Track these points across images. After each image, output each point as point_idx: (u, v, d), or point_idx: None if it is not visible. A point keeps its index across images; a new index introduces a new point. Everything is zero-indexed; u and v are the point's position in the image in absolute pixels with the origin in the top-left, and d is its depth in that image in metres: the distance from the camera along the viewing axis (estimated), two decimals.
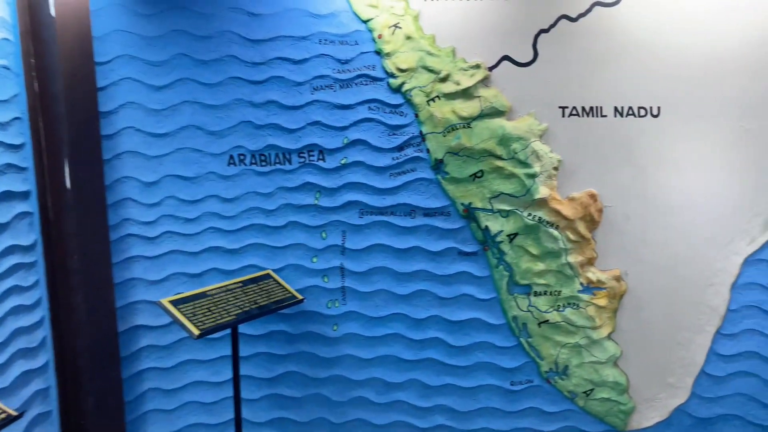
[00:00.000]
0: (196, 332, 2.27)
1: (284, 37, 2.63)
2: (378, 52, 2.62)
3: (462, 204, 2.68)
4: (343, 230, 2.75)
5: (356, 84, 2.65)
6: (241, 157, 2.70)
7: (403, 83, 2.62)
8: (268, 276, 2.69)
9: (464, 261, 2.73)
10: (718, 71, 2.56)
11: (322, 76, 2.65)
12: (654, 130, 2.60)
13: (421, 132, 2.66)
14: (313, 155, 2.70)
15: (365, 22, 2.61)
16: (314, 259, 2.77)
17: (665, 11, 2.55)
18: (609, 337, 2.72)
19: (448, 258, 2.73)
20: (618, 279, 2.68)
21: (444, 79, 2.60)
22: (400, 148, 2.67)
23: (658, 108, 2.59)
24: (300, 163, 2.70)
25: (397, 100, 2.65)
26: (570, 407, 2.79)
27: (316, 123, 2.68)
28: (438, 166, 2.67)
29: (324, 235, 2.76)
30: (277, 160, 2.71)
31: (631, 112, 2.60)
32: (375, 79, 2.64)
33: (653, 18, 2.56)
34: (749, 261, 2.64)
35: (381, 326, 2.79)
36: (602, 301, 2.68)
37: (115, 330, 2.56)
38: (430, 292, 2.76)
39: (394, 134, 2.67)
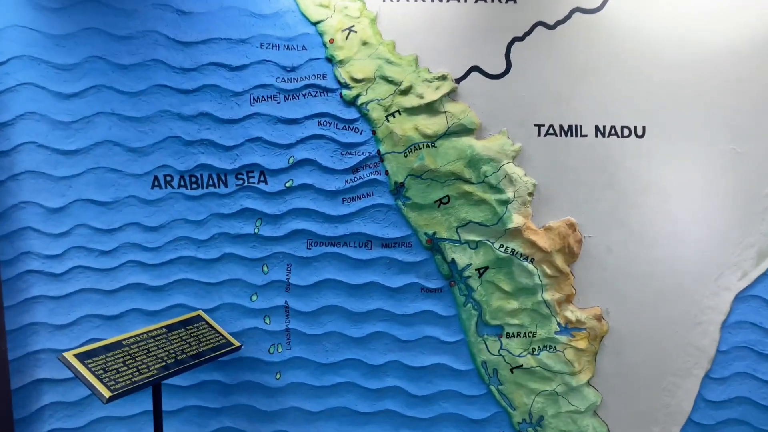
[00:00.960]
0: (107, 394, 2.02)
1: (219, 39, 2.44)
2: (329, 59, 2.47)
3: (425, 234, 2.53)
4: (288, 263, 2.57)
5: (304, 95, 2.49)
6: (168, 179, 2.49)
7: (358, 95, 2.47)
8: (198, 318, 2.47)
9: (427, 298, 2.59)
10: (707, 87, 2.49)
11: (263, 86, 2.48)
12: (638, 151, 2.51)
13: (378, 151, 2.51)
14: (252, 177, 2.52)
15: (315, 24, 2.45)
16: (254, 297, 2.58)
17: (651, 19, 2.48)
18: (588, 383, 2.60)
19: (409, 295, 2.59)
20: (599, 318, 2.57)
21: (405, 92, 2.46)
22: (354, 169, 2.52)
23: (643, 127, 2.51)
24: (237, 185, 2.52)
25: (351, 114, 2.50)
26: None
27: (257, 139, 2.50)
28: (398, 190, 2.52)
29: (265, 269, 2.57)
30: (211, 183, 2.51)
31: (613, 132, 2.51)
32: (326, 89, 2.48)
33: (638, 26, 2.48)
34: (740, 297, 2.57)
35: (331, 374, 2.62)
36: (582, 344, 2.57)
37: (7, 387, 2.29)
38: (388, 335, 2.61)
39: (347, 153, 2.52)
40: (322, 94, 2.48)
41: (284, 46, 2.45)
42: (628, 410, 2.64)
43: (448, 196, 2.50)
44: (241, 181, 2.51)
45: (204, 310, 2.53)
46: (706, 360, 2.60)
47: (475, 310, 2.56)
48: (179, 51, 2.43)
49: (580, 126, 2.51)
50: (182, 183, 2.49)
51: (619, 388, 2.62)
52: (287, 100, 2.48)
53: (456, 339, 2.60)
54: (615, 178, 2.53)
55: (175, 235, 2.52)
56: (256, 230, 2.54)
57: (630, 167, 2.52)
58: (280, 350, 2.60)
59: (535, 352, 2.58)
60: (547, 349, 2.58)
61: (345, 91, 2.47)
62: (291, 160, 2.51)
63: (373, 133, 2.50)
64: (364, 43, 2.44)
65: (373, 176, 2.52)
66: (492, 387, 2.61)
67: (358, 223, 2.55)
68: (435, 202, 2.51)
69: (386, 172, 2.52)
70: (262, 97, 2.48)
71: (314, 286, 2.58)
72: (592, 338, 2.58)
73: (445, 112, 2.46)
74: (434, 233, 2.53)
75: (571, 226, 2.53)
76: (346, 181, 2.52)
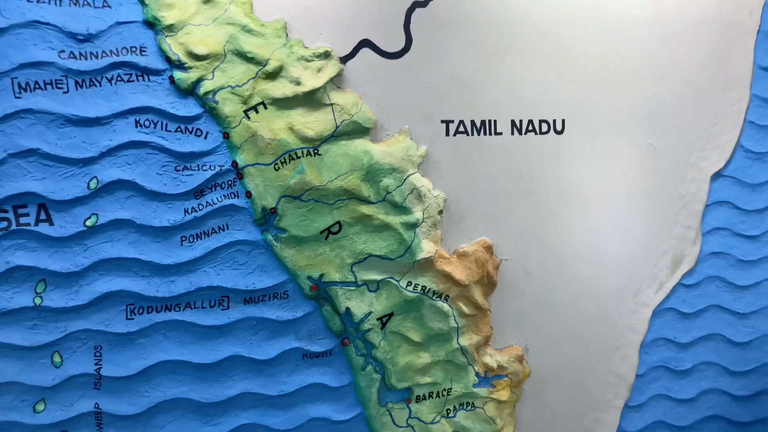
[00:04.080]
0: None
1: None
2: (151, 23, 2.11)
3: (308, 278, 2.36)
4: (96, 346, 2.18)
5: (110, 80, 2.09)
6: None
7: (200, 80, 2.16)
8: None
9: (312, 367, 2.44)
10: (627, 71, 2.72)
11: (37, 64, 2.02)
12: (558, 151, 2.67)
13: (235, 164, 2.24)
14: (25, 215, 2.05)
15: None
16: (39, 407, 2.14)
17: None
18: None
19: (287, 367, 2.41)
20: (521, 359, 2.71)
21: (273, 75, 2.22)
22: (198, 192, 2.22)
23: (563, 121, 2.65)
24: None
25: (189, 109, 2.18)
26: None
27: (30, 153, 2.04)
28: (267, 219, 2.30)
29: (57, 359, 2.14)
30: None
31: (531, 128, 2.61)
32: (146, 71, 2.13)
33: None
34: (656, 312, 2.93)
35: None
36: (503, 394, 2.67)
37: None
38: (259, 426, 2.41)
39: (186, 169, 2.20)
40: (141, 78, 2.11)
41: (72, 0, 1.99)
42: None
43: (339, 222, 2.35)
44: (4, 224, 2.02)
45: None
46: (626, 388, 2.93)
47: (377, 373, 2.48)
48: None
49: (495, 121, 2.55)
50: None
51: None
52: (81, 87, 2.06)
53: (351, 415, 2.51)
54: (533, 186, 2.65)
55: None
56: (38, 300, 2.09)
57: (549, 171, 2.67)
58: None
59: (451, 414, 2.62)
60: (465, 407, 2.63)
61: (179, 74, 2.13)
62: (93, 184, 2.09)
63: (226, 136, 2.22)
64: (207, 0, 2.08)
65: (227, 201, 2.25)
66: None
67: (207, 273, 2.26)
68: (321, 232, 2.34)
69: (248, 194, 2.27)
70: (36, 83, 2.02)
71: (142, 374, 2.24)
72: (515, 385, 2.70)
73: (332, 104, 2.26)
74: (321, 276, 2.36)
75: (489, 249, 2.58)
76: (186, 211, 2.21)
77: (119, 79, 2.07)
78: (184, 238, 2.21)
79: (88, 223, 2.10)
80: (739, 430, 3.05)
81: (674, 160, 2.86)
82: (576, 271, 2.78)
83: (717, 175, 2.90)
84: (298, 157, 2.27)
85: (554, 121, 2.64)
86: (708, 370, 3.03)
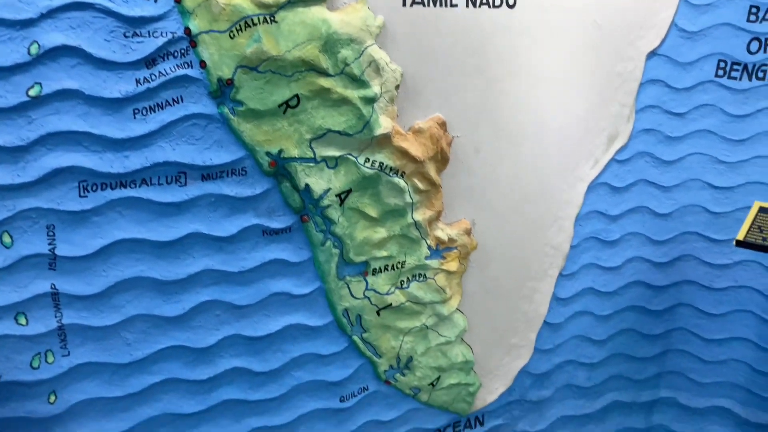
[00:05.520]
0: None
1: None
2: None
3: (267, 154, 2.29)
4: (48, 225, 2.06)
5: None
6: None
7: None
8: None
9: (272, 244, 2.43)
10: None
11: None
12: (509, 26, 2.64)
13: (188, 30, 2.08)
14: None
15: None
16: None
17: None
18: (458, 308, 2.84)
19: (247, 243, 2.39)
20: (468, 232, 2.79)
21: None
22: (150, 61, 2.06)
23: None
24: None
25: None
26: (412, 406, 2.93)
27: None
28: (223, 91, 2.18)
29: (8, 239, 2.01)
30: None
31: (485, 1, 2.53)
32: None
33: None
34: (590, 186, 3.07)
35: (140, 374, 2.31)
36: (452, 265, 2.77)
37: None
38: (219, 303, 2.39)
39: (136, 35, 2.02)
40: None
41: None
42: (490, 327, 3.04)
43: (297, 96, 2.26)
44: None
45: None
46: (561, 258, 3.11)
47: (336, 248, 2.50)
48: None
49: None
50: None
51: (482, 305, 2.98)
52: None
53: (311, 289, 2.56)
54: (484, 61, 2.64)
55: None
56: None
57: (500, 46, 2.65)
58: (50, 360, 2.14)
59: (404, 285, 2.71)
60: (417, 278, 2.73)
61: None
62: (34, 50, 1.89)
63: (178, 0, 2.03)
64: None
65: (181, 71, 2.10)
66: (355, 337, 2.69)
67: (162, 147, 2.14)
68: (279, 105, 2.25)
69: (202, 64, 2.13)
70: None
71: (99, 253, 2.14)
72: (462, 257, 2.80)
73: None
74: (280, 152, 2.30)
75: (442, 125, 2.60)
76: (138, 81, 2.05)
77: None
78: (136, 111, 2.07)
79: (32, 92, 1.91)
80: (656, 292, 3.32)
81: (615, 38, 2.90)
82: (521, 147, 2.84)
83: (652, 54, 2.99)
84: (255, 25, 2.13)
85: None
86: (633, 240, 3.25)
